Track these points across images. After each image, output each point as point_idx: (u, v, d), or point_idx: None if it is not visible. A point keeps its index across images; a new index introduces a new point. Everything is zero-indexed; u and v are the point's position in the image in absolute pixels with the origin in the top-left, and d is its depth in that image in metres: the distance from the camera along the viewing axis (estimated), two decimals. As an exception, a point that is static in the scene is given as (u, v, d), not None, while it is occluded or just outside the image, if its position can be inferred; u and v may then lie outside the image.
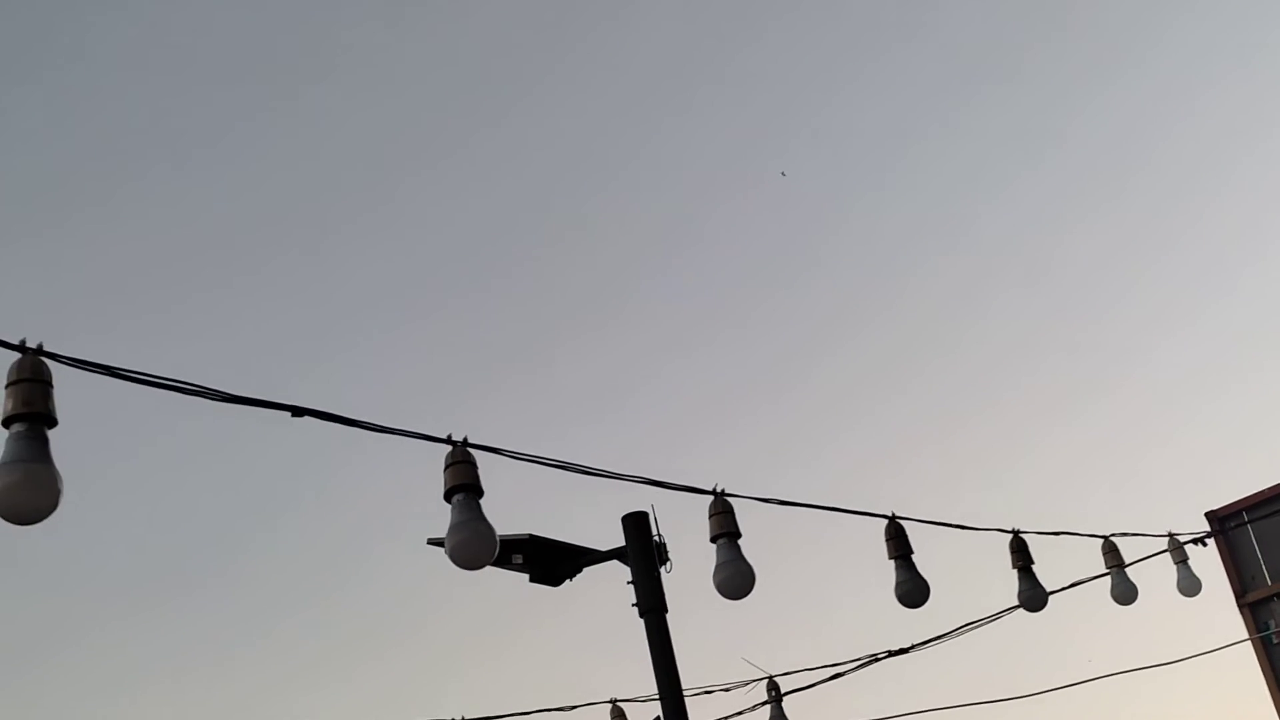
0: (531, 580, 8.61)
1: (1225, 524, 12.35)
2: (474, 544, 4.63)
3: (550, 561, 8.68)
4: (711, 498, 5.63)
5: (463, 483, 4.74)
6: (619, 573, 8.63)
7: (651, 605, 8.55)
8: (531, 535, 8.40)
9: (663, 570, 8.72)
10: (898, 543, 6.24)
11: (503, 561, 7.95)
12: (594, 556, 8.71)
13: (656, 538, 8.86)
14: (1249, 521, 12.38)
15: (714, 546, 5.63)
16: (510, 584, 8.59)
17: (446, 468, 4.78)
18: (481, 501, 4.74)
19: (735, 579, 5.47)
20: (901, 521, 6.30)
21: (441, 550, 8.60)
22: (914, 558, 6.25)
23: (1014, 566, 6.93)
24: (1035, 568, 6.93)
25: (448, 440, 4.82)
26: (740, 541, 5.59)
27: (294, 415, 4.41)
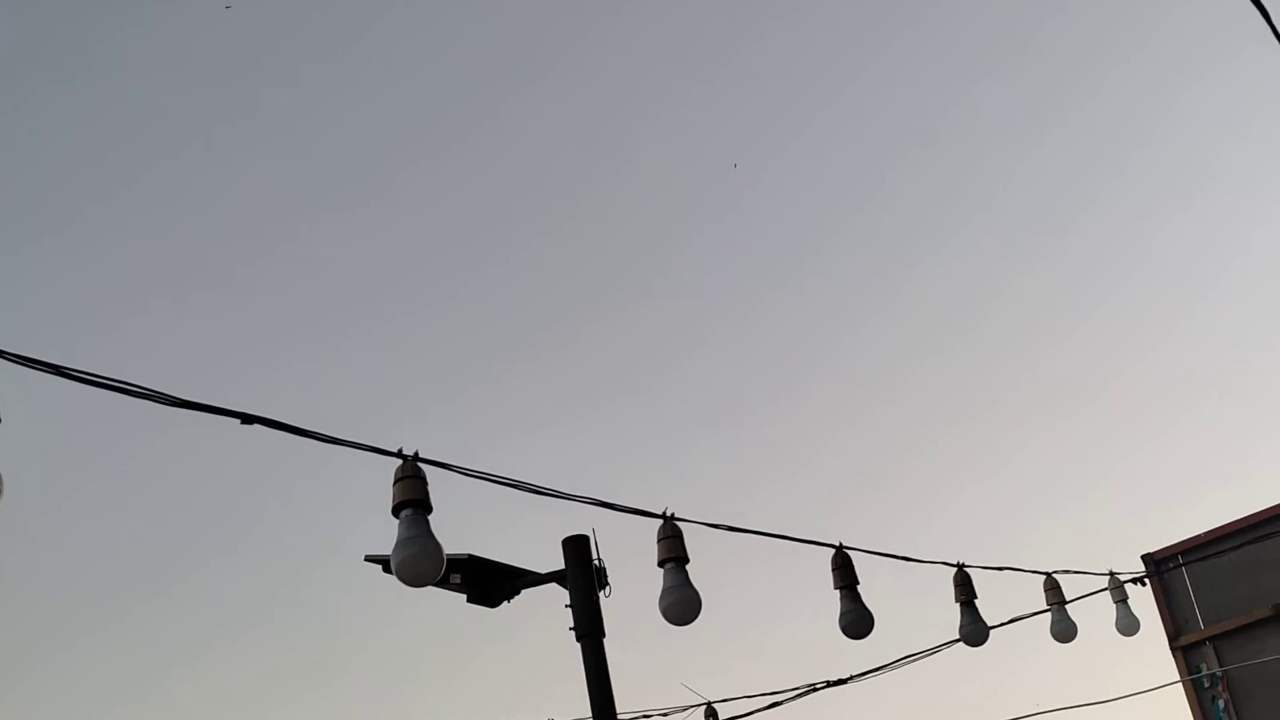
0: (469, 600, 8.54)
1: (1160, 567, 12.47)
2: (420, 561, 4.57)
3: (488, 582, 8.61)
4: (660, 521, 5.59)
5: (411, 498, 4.68)
6: (560, 595, 8.56)
7: (589, 630, 8.48)
8: (470, 555, 8.33)
9: (602, 595, 8.68)
10: (844, 572, 6.23)
11: (441, 581, 7.86)
12: (532, 578, 8.65)
13: (597, 561, 8.81)
14: (1184, 565, 12.50)
15: (659, 570, 5.59)
16: (449, 604, 8.50)
17: (396, 482, 4.71)
18: (430, 518, 4.68)
19: (681, 605, 5.43)
20: (848, 551, 6.29)
21: (379, 568, 8.51)
22: (860, 589, 6.24)
23: (957, 600, 6.94)
24: (978, 602, 6.94)
25: (398, 454, 4.76)
26: (688, 567, 5.55)
27: (243, 422, 4.33)
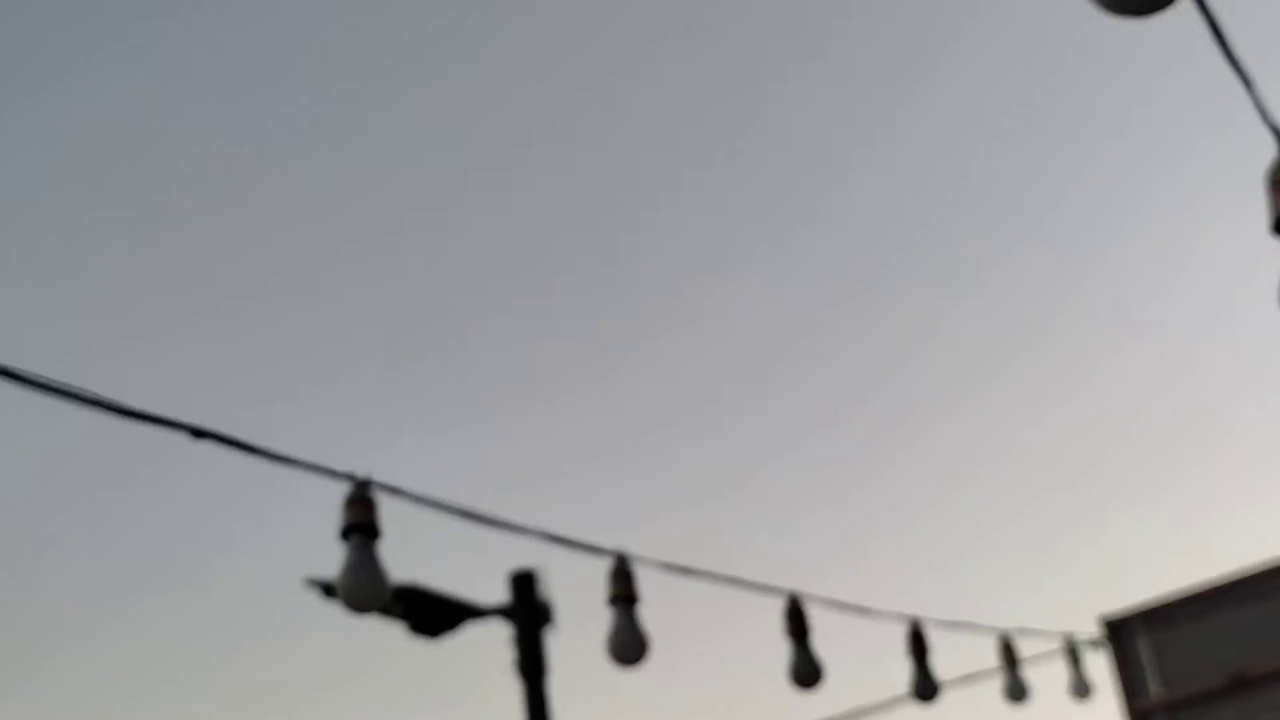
0: (410, 630, 8.47)
1: (1119, 631, 12.44)
2: (366, 588, 4.52)
3: (431, 613, 8.56)
4: (612, 559, 5.55)
5: (359, 522, 4.63)
6: (504, 630, 8.49)
7: (532, 668, 8.43)
8: (414, 585, 8.28)
9: (548, 632, 8.61)
10: (795, 621, 6.19)
11: (384, 609, 7.82)
12: (477, 612, 8.60)
13: (544, 599, 8.76)
14: (1142, 630, 12.48)
15: (607, 610, 5.53)
16: (387, 634, 8.41)
17: (345, 505, 4.67)
18: (381, 546, 4.63)
19: (630, 645, 5.38)
20: (801, 600, 6.26)
21: (316, 595, 8.37)
22: (813, 639, 6.21)
23: (909, 654, 6.90)
24: (931, 657, 6.91)
25: (349, 477, 4.71)
26: (638, 608, 5.51)
27: (194, 437, 4.28)
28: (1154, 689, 12.74)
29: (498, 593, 8.34)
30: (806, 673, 6.09)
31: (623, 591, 5.44)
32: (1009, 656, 7.49)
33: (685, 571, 5.82)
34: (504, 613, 8.43)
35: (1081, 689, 8.05)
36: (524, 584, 8.35)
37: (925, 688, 6.80)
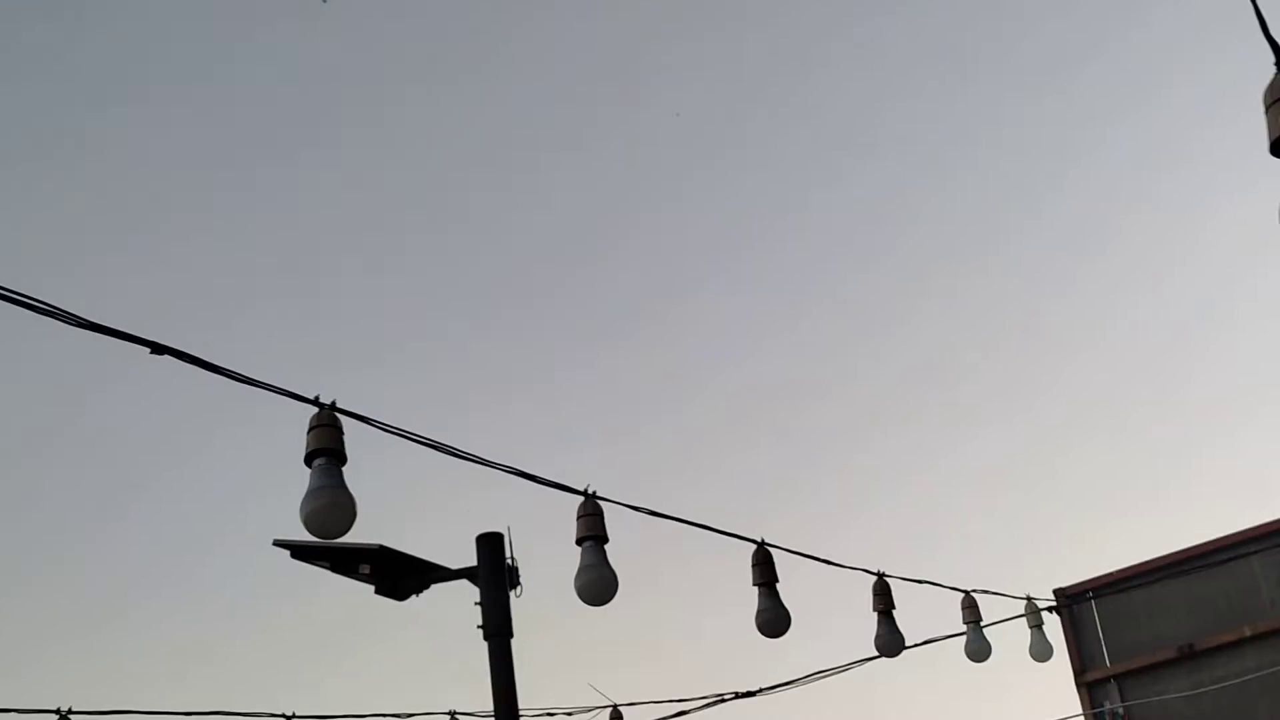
0: (377, 592, 8.34)
1: (1071, 601, 12.46)
2: (333, 512, 4.35)
3: (398, 575, 8.42)
4: (581, 499, 5.41)
5: (324, 447, 4.46)
6: (469, 591, 8.36)
7: (497, 629, 8.30)
8: (381, 546, 8.14)
9: (513, 594, 8.49)
10: (763, 569, 6.08)
11: (349, 571, 7.65)
12: (443, 574, 8.47)
13: (510, 560, 8.63)
14: (1093, 599, 12.51)
15: (574, 558, 5.40)
16: (354, 591, 8.28)
17: (310, 430, 4.49)
18: (344, 469, 4.46)
19: (598, 584, 5.25)
20: (769, 549, 6.15)
21: (287, 553, 8.22)
22: (779, 588, 6.10)
23: (875, 610, 6.81)
24: (896, 613, 6.83)
25: (314, 401, 4.54)
26: (606, 549, 5.37)
27: (153, 352, 4.09)
28: (1105, 659, 12.77)
29: (465, 531, 8.19)
30: (773, 622, 5.99)
31: (592, 530, 5.31)
32: (973, 616, 7.42)
33: (654, 514, 5.69)
34: (470, 575, 8.30)
35: (1041, 652, 8.00)
36: (491, 545, 8.22)
37: (890, 643, 6.72)
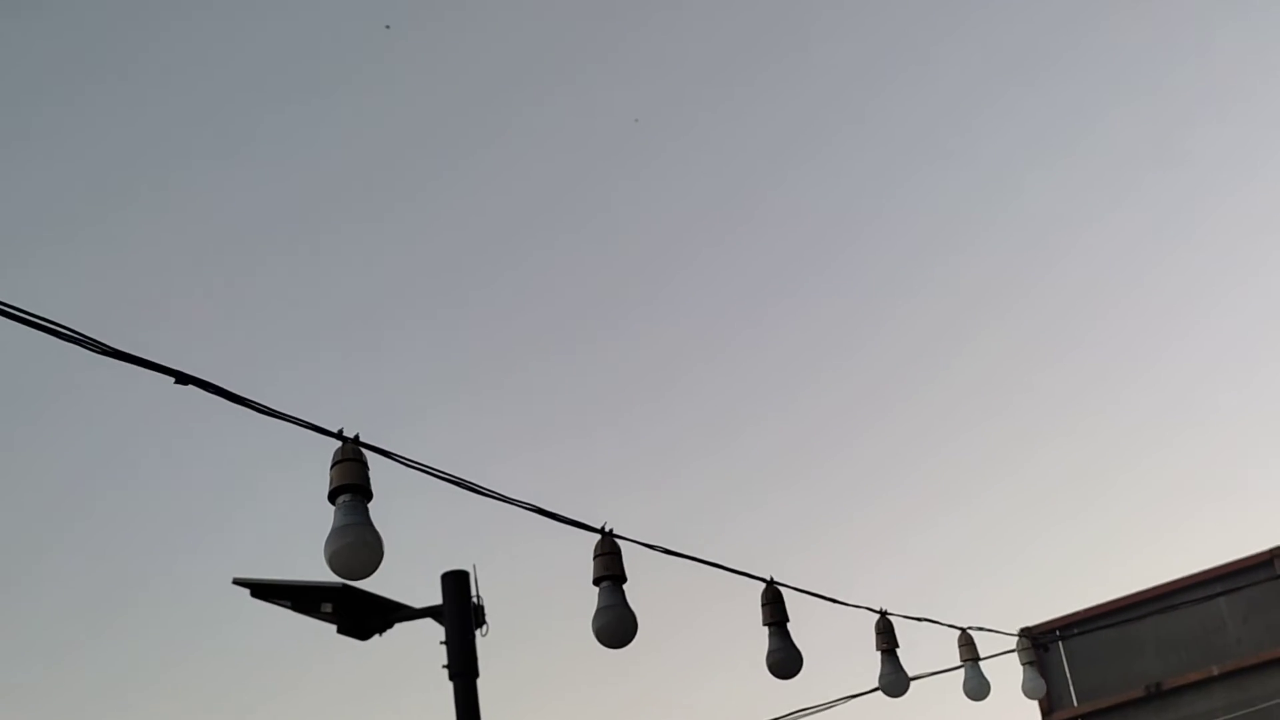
0: (339, 631, 8.15)
1: (1038, 640, 12.43)
2: (359, 552, 4.16)
3: (361, 613, 8.24)
4: (599, 536, 5.26)
5: (350, 483, 4.28)
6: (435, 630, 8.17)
7: (462, 668, 8.13)
8: (344, 584, 7.96)
9: (479, 633, 8.32)
10: (774, 608, 5.95)
11: (311, 610, 7.45)
12: (407, 613, 8.30)
13: (475, 599, 8.45)
14: (1060, 638, 12.49)
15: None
16: (315, 629, 8.09)
17: (334, 465, 4.32)
18: (370, 506, 4.29)
19: (616, 625, 5.08)
20: (779, 587, 6.03)
21: (246, 592, 7.97)
22: (790, 628, 5.97)
23: (878, 648, 6.70)
24: (899, 651, 6.73)
25: (338, 435, 4.36)
26: (625, 589, 5.22)
27: (177, 382, 3.91)
28: (1073, 699, 12.75)
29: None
30: (785, 662, 5.86)
31: (611, 570, 5.16)
32: (970, 653, 7.33)
33: (667, 553, 5.55)
34: (434, 613, 8.13)
35: (1033, 689, 7.94)
36: (457, 584, 8.06)
37: (894, 682, 6.61)
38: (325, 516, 4.33)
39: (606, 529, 5.29)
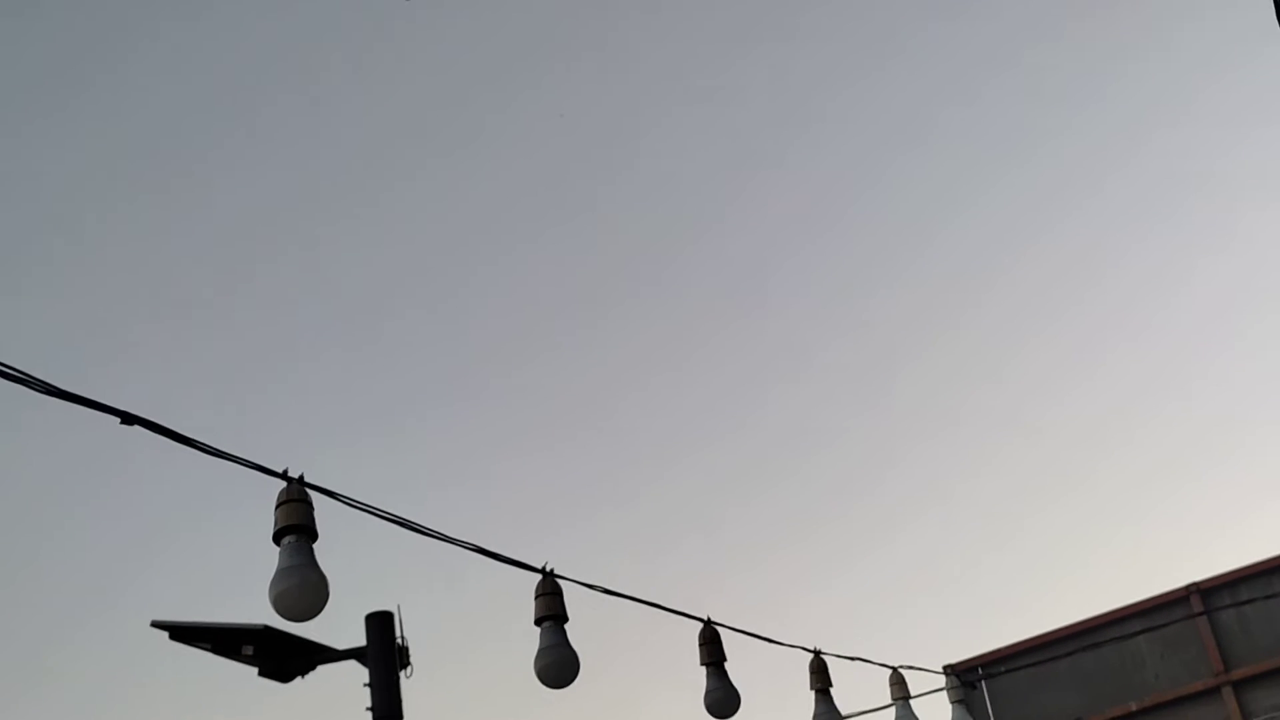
0: (261, 674, 8.05)
1: (964, 678, 12.55)
2: (304, 593, 4.14)
3: (283, 656, 8.15)
4: (540, 576, 5.27)
5: (295, 523, 4.27)
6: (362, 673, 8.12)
7: (387, 711, 8.08)
8: (265, 626, 7.88)
9: (404, 675, 8.27)
10: (711, 648, 5.98)
11: (232, 653, 7.36)
12: (330, 655, 8.23)
13: (400, 640, 8.40)
14: (983, 676, 12.63)
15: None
16: (239, 671, 7.99)
17: (278, 505, 4.30)
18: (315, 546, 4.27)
19: (559, 666, 5.09)
20: (716, 627, 6.06)
21: (165, 634, 7.87)
22: (727, 666, 6.00)
23: (812, 688, 6.75)
24: (833, 690, 6.78)
25: (283, 475, 4.34)
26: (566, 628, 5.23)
27: (123, 422, 3.88)
28: (996, 736, 12.89)
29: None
30: (722, 702, 5.88)
31: (552, 610, 5.16)
32: (901, 692, 7.40)
33: (607, 592, 5.56)
34: (358, 655, 8.08)
35: (961, 727, 8.02)
36: (381, 625, 8.02)
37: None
38: (270, 555, 4.30)
39: (547, 569, 5.30)
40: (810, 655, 6.78)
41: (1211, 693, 11.64)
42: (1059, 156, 18.19)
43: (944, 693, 8.10)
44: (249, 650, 7.87)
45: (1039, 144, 18.36)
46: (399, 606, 8.40)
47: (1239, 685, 11.54)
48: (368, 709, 8.26)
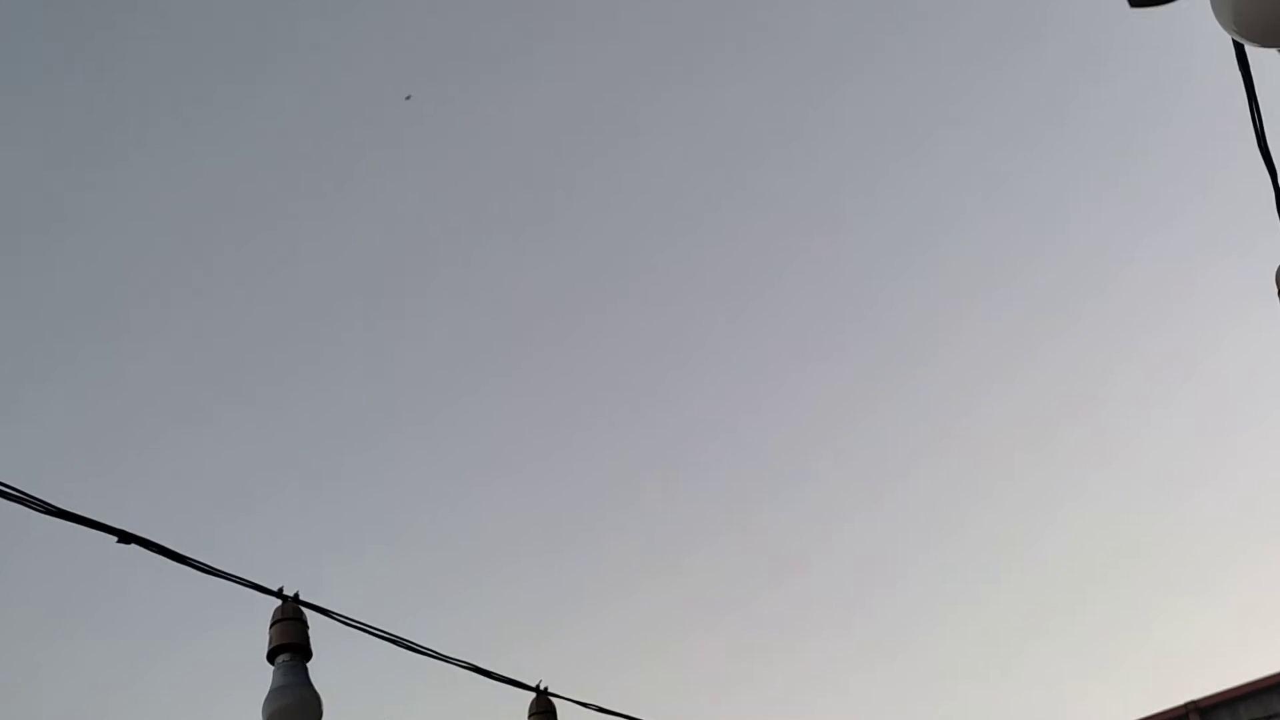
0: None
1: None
2: (298, 713, 4.13)
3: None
4: (534, 694, 5.26)
5: (289, 642, 4.27)
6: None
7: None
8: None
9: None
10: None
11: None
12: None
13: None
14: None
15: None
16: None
17: (273, 624, 4.30)
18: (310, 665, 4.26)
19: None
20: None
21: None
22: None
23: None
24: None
25: (278, 594, 4.35)
26: (559, 747, 5.21)
27: (120, 541, 3.91)
28: None
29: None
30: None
31: (546, 729, 5.14)
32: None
33: (602, 710, 5.55)
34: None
35: None
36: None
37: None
38: (264, 673, 4.30)
39: (541, 687, 5.29)
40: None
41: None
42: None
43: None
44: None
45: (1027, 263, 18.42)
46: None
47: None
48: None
